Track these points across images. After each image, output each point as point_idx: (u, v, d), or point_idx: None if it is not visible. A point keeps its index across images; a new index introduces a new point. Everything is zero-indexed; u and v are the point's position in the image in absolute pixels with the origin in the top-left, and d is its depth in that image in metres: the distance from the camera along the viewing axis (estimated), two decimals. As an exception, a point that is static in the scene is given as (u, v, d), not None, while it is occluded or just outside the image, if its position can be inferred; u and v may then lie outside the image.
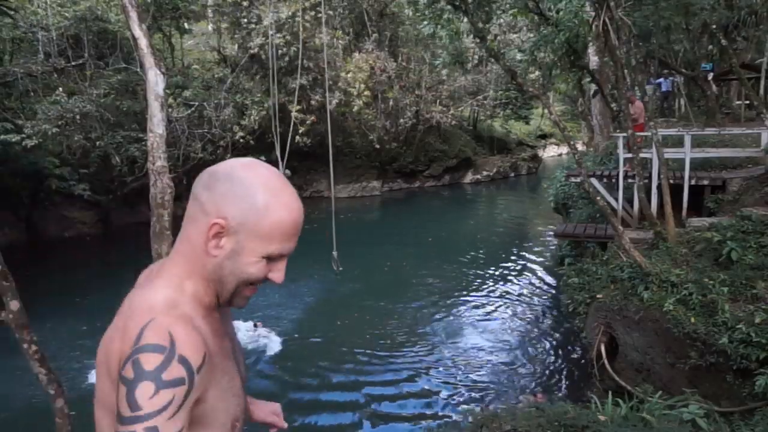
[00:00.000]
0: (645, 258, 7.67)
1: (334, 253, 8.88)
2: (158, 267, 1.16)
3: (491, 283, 13.67)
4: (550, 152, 39.57)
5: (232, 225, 1.04)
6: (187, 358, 0.96)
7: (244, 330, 9.81)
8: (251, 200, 1.04)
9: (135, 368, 0.93)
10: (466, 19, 8.62)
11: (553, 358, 9.70)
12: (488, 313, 11.71)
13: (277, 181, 1.08)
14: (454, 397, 8.40)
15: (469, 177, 30.57)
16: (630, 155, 9.26)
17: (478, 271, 14.70)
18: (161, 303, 1.03)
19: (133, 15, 4.25)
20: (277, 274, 1.11)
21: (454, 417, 7.71)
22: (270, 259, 1.08)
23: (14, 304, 3.72)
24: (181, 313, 1.02)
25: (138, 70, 16.76)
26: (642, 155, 9.55)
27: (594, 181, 10.23)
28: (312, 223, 9.00)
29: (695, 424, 4.35)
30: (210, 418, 1.07)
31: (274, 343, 9.97)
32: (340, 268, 8.81)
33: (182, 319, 1.01)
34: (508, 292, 12.99)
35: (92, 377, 8.92)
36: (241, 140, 19.59)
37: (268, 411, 1.42)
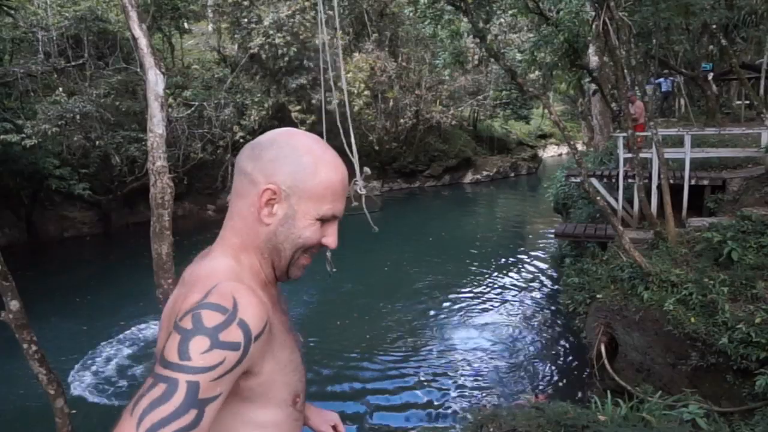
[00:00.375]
0: (645, 258, 7.66)
1: (328, 253, 8.88)
2: (208, 249, 1.15)
3: (491, 283, 13.66)
4: (550, 152, 39.52)
5: (283, 189, 1.06)
6: (248, 323, 0.95)
7: None
8: (299, 162, 1.06)
9: (194, 321, 0.92)
10: (466, 19, 8.62)
11: (553, 358, 9.69)
12: (488, 313, 11.70)
13: (319, 144, 1.11)
14: (454, 397, 8.39)
15: (469, 177, 30.54)
16: (630, 155, 9.25)
17: (478, 271, 14.69)
18: (225, 270, 1.04)
19: (133, 15, 4.25)
20: (331, 238, 1.12)
21: (454, 417, 7.72)
22: (323, 221, 1.09)
23: (14, 304, 3.72)
24: (243, 282, 1.03)
25: (138, 70, 16.78)
26: (642, 155, 9.54)
27: (594, 181, 10.23)
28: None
29: (695, 424, 4.35)
30: (270, 393, 1.06)
31: None
32: (334, 270, 8.83)
33: (246, 286, 1.01)
34: (508, 292, 12.98)
35: (91, 378, 8.94)
36: (241, 140, 19.60)
37: (325, 420, 1.37)
